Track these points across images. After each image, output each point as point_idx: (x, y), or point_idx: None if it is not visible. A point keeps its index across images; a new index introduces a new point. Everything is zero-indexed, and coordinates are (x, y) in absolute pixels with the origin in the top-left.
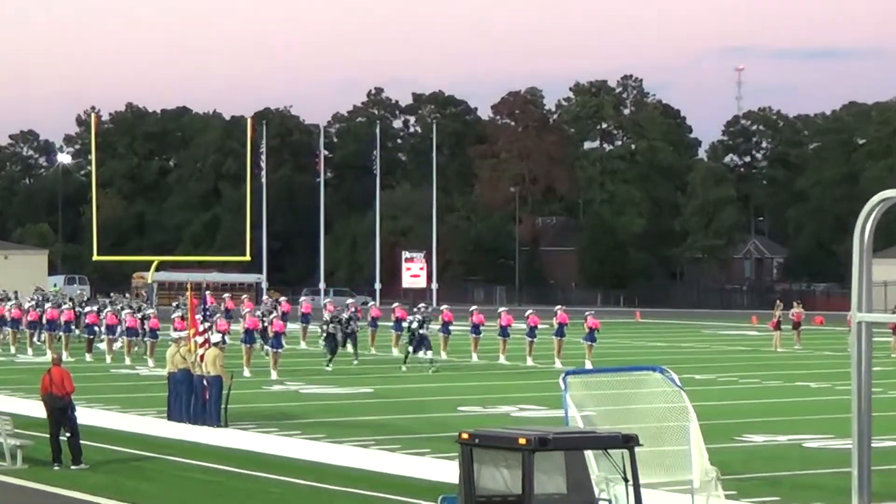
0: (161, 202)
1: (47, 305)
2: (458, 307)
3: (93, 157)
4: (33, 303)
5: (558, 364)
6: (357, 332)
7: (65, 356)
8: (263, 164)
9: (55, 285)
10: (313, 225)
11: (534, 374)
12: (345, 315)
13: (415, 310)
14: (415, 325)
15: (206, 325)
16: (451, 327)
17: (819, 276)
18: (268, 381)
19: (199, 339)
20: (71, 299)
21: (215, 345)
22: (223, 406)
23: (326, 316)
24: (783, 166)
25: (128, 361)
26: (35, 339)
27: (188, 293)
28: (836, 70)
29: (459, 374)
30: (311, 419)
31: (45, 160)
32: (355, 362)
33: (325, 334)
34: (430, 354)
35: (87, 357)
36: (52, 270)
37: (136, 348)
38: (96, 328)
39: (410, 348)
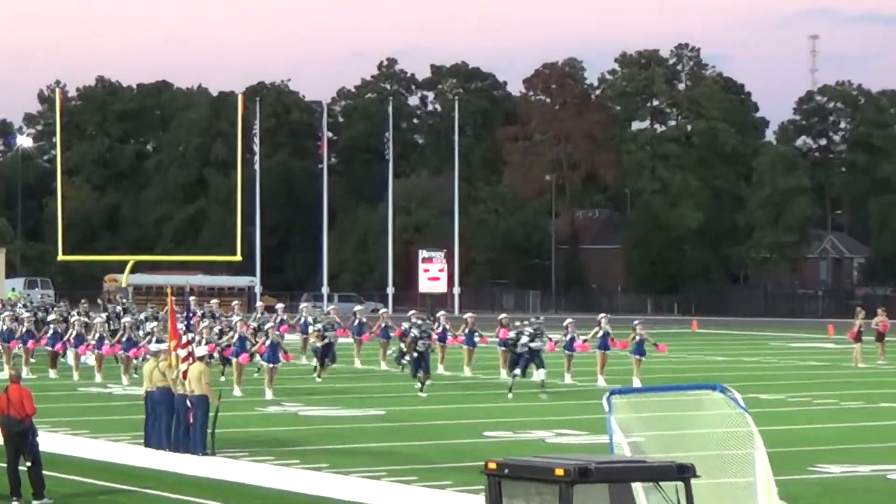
0: (137, 192)
1: (5, 314)
2: (484, 315)
3: (57, 139)
4: None
5: (601, 382)
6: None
7: (24, 372)
8: (257, 148)
9: (13, 289)
10: (315, 219)
11: (573, 394)
12: (413, 332)
13: (527, 322)
14: (524, 338)
15: (190, 336)
16: (476, 339)
17: None
18: (262, 402)
19: (182, 353)
20: (33, 306)
21: (200, 359)
22: (210, 431)
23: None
24: (865, 150)
25: (98, 378)
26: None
27: (168, 298)
28: None
29: (485, 394)
30: (312, 446)
31: (2, 144)
32: (423, 394)
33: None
34: (543, 374)
35: (51, 373)
36: (11, 272)
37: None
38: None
39: (517, 371)
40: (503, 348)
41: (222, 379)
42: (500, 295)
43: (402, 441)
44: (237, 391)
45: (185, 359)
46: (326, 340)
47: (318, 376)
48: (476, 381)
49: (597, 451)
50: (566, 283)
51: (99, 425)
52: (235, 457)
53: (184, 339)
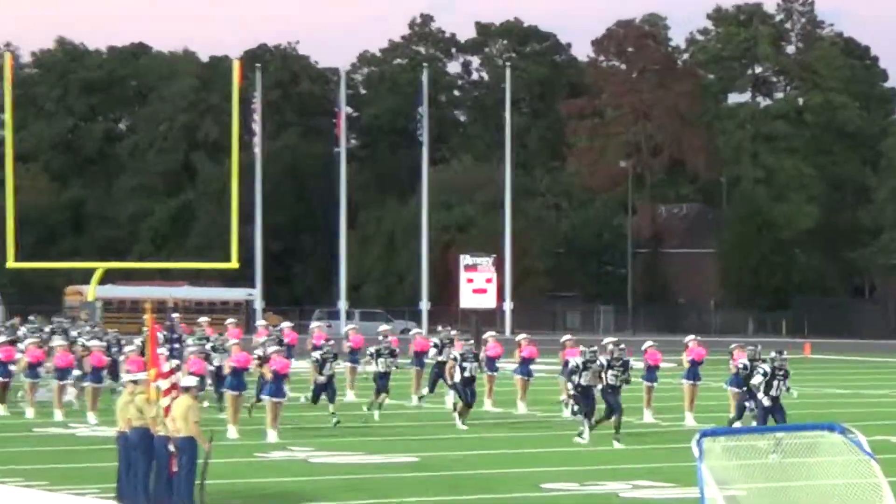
0: (107, 183)
1: None
2: (543, 336)
3: (7, 117)
4: None
5: (690, 420)
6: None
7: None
8: (257, 128)
9: None
10: (330, 217)
11: (652, 436)
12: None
13: (598, 348)
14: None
15: (175, 363)
16: (533, 366)
17: None
18: (263, 446)
19: (164, 384)
20: None
21: (187, 391)
22: (198, 482)
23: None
24: None
25: (58, 416)
26: None
27: (147, 316)
28: None
29: (542, 436)
30: (327, 501)
31: None
32: (462, 427)
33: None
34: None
35: (0, 409)
36: None
37: (68, 397)
38: (11, 367)
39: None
40: (567, 380)
41: (222, 416)
42: (564, 312)
43: (440, 495)
44: (233, 432)
45: (168, 391)
46: (329, 373)
47: (333, 415)
48: (531, 419)
49: None
50: (646, 297)
51: (59, 474)
52: None
53: (166, 367)
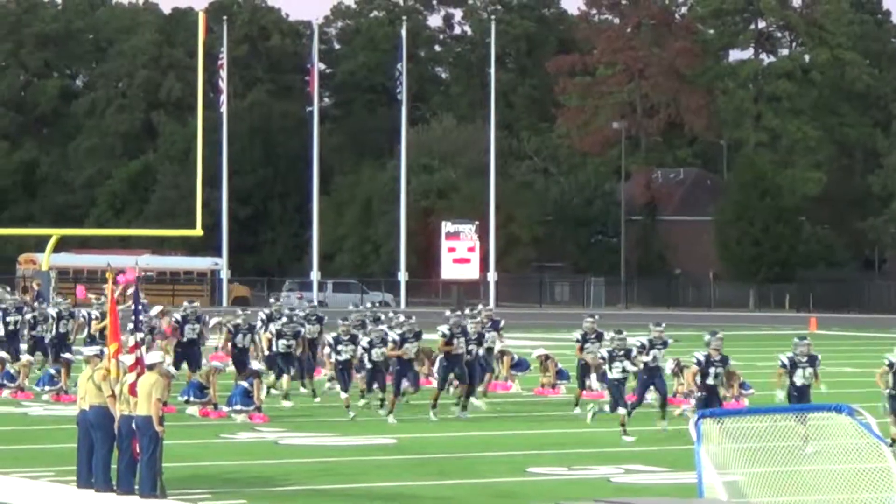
0: (62, 144)
1: None
2: (529, 309)
3: None
4: None
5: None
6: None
7: None
8: (223, 85)
9: None
10: (302, 181)
11: (647, 417)
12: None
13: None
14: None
15: (139, 336)
16: (513, 341)
17: None
18: (229, 427)
19: (128, 360)
20: None
21: (152, 368)
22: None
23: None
24: None
25: (3, 393)
26: None
27: (108, 285)
28: None
29: (529, 417)
30: (298, 485)
31: None
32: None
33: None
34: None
35: None
36: None
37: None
38: None
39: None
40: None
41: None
42: (551, 284)
43: (419, 479)
44: (194, 410)
45: (133, 367)
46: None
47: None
48: (519, 399)
49: (681, 496)
50: (640, 269)
51: (11, 457)
52: (193, 501)
53: (130, 341)
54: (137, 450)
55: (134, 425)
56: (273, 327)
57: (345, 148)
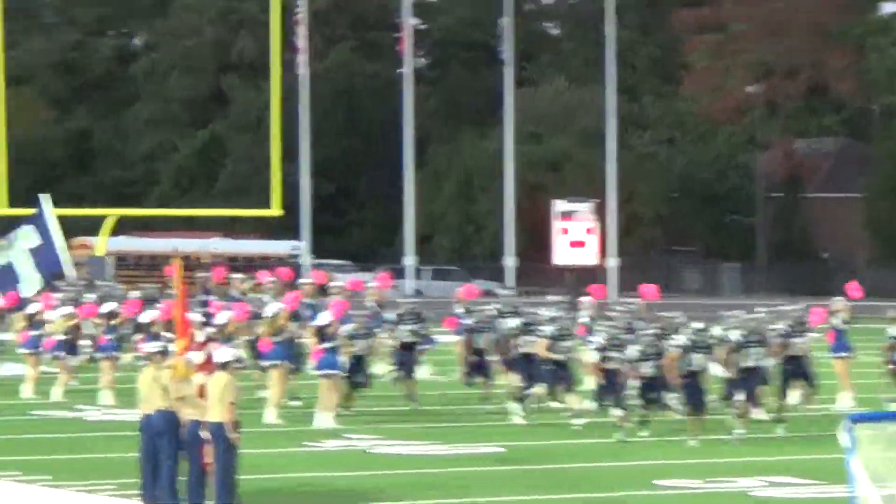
0: (119, 112)
1: None
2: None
3: None
4: None
5: (844, 402)
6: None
7: None
8: (302, 44)
9: None
10: (392, 152)
11: (792, 421)
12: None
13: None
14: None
15: (210, 331)
16: None
17: None
18: (313, 433)
19: (196, 357)
20: None
21: (224, 367)
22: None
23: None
24: None
25: (57, 396)
26: None
27: (175, 271)
28: None
29: (655, 423)
30: (391, 500)
31: None
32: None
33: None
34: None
35: None
36: None
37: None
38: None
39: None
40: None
41: (262, 395)
42: (680, 269)
43: (534, 493)
44: (271, 415)
45: (203, 366)
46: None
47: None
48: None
49: None
50: (780, 252)
51: (68, 467)
52: None
53: (199, 337)
54: (208, 460)
55: (203, 434)
56: (511, 323)
57: (441, 114)
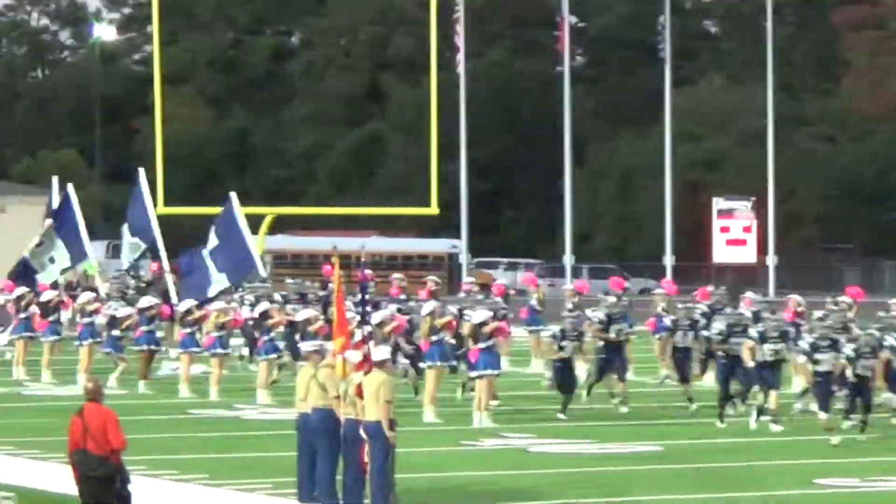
0: (276, 111)
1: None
2: (814, 298)
3: (154, 29)
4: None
5: None
6: None
7: (112, 383)
8: (461, 43)
9: (88, 261)
10: (550, 151)
11: None
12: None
13: None
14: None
15: (367, 329)
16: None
17: None
18: (470, 432)
19: (354, 356)
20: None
21: (381, 365)
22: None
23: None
24: None
25: (213, 395)
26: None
27: (332, 270)
28: None
29: (811, 421)
30: (550, 499)
31: (72, 35)
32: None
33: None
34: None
35: (141, 386)
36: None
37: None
38: (160, 334)
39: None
40: None
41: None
42: (839, 268)
43: (690, 492)
44: (429, 415)
45: (361, 365)
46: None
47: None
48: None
49: None
50: None
51: (227, 466)
52: None
53: (357, 335)
54: (366, 459)
55: (363, 433)
56: (719, 325)
57: (600, 113)
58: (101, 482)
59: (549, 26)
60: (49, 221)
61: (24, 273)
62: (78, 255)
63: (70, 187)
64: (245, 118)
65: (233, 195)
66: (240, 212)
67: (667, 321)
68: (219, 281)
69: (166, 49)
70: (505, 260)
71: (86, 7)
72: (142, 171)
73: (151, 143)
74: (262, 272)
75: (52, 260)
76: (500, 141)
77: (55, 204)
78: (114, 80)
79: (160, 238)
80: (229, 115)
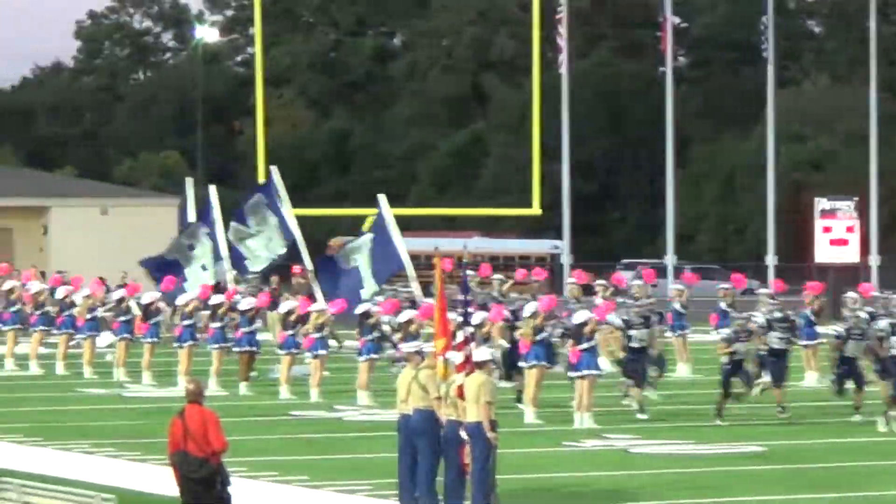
0: (378, 111)
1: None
2: None
3: (256, 31)
4: None
5: None
6: None
7: (212, 385)
8: (563, 43)
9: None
10: (653, 152)
11: None
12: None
13: None
14: None
15: (469, 331)
16: None
17: None
18: (571, 433)
19: (456, 358)
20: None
21: (481, 366)
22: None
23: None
24: None
25: (314, 397)
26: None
27: (436, 272)
28: None
29: None
30: (651, 500)
31: (174, 37)
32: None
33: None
34: None
35: (242, 388)
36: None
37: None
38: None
39: None
40: None
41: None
42: None
43: (793, 493)
44: (530, 416)
45: (462, 366)
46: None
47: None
48: None
49: None
50: None
51: (328, 467)
52: None
53: (459, 336)
54: (466, 460)
55: (464, 434)
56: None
57: (703, 114)
58: (201, 484)
59: (652, 27)
60: (198, 224)
61: (163, 269)
62: (216, 257)
63: (212, 189)
64: (346, 119)
65: (381, 197)
66: (390, 211)
67: (760, 319)
68: (369, 282)
69: (268, 51)
70: (624, 261)
71: (188, 9)
72: (274, 169)
73: (253, 145)
74: (412, 272)
75: (204, 268)
76: (602, 142)
77: (190, 205)
78: (216, 81)
79: (301, 239)
80: (331, 116)
